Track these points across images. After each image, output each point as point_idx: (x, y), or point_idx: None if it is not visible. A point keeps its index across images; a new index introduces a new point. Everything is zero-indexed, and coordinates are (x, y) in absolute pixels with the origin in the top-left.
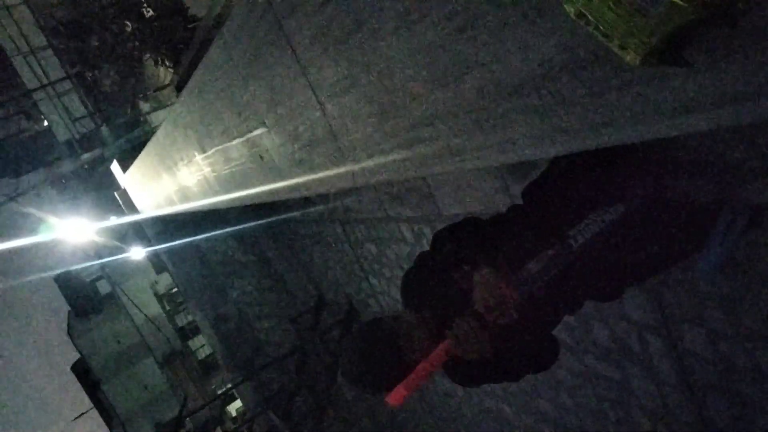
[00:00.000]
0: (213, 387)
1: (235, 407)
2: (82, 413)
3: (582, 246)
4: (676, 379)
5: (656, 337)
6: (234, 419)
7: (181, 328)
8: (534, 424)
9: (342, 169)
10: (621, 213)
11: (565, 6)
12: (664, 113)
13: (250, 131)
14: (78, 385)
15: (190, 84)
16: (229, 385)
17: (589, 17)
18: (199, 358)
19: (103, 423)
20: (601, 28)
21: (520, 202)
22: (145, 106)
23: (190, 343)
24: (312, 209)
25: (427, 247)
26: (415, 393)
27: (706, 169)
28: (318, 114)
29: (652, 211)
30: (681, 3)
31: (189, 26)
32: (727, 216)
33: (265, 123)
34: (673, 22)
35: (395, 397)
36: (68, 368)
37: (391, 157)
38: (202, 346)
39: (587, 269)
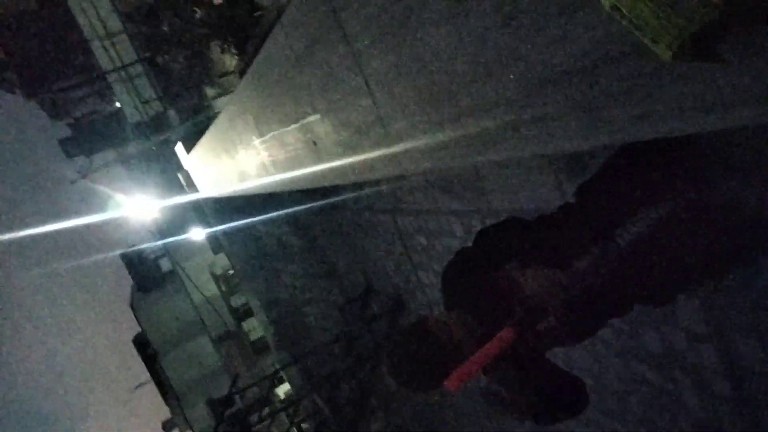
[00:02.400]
0: (263, 368)
1: (283, 390)
2: (141, 384)
3: (629, 244)
4: (730, 392)
5: (709, 347)
6: (282, 401)
7: (236, 310)
8: (576, 427)
9: (390, 154)
10: (666, 212)
11: (600, 0)
12: (702, 108)
13: (305, 117)
14: (138, 357)
15: (251, 71)
16: (278, 366)
17: (623, 10)
18: (251, 339)
19: (160, 395)
20: (634, 21)
21: (572, 200)
22: (210, 92)
23: (243, 324)
24: (362, 193)
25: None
26: (471, 380)
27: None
28: (368, 101)
29: (702, 213)
30: None
31: (255, 15)
32: None
33: (318, 110)
34: (704, 17)
35: (452, 383)
36: (130, 340)
37: (437, 144)
38: (254, 328)
39: (635, 269)
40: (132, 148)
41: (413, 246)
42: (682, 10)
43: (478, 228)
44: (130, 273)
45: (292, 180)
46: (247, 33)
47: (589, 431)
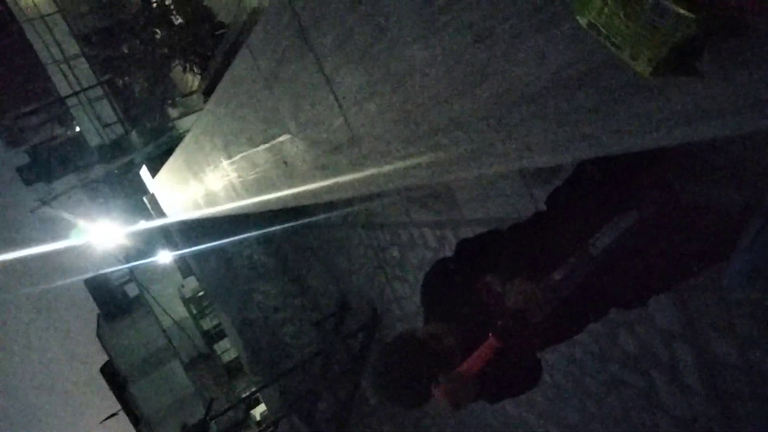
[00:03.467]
0: (238, 390)
1: (259, 411)
2: (111, 415)
3: (602, 253)
4: (705, 388)
5: (684, 345)
6: (258, 423)
7: (207, 332)
8: (558, 430)
9: (364, 174)
10: (637, 219)
11: (577, 17)
12: (679, 120)
13: (275, 137)
14: (106, 386)
15: (217, 91)
16: (254, 389)
17: (600, 28)
18: (224, 361)
19: (131, 424)
20: (612, 38)
21: (543, 207)
22: (173, 112)
23: (215, 346)
24: (335, 213)
25: (449, 253)
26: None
27: (731, 174)
28: (341, 120)
29: (670, 217)
30: (688, 15)
31: (216, 33)
32: (756, 223)
33: (289, 129)
34: (682, 33)
35: (445, 394)
36: (97, 370)
37: (411, 163)
38: (227, 349)
39: (610, 276)
40: (94, 172)
41: (387, 259)
42: (661, 26)
43: (451, 238)
44: (95, 300)
45: (262, 202)
46: (209, 52)
47: None
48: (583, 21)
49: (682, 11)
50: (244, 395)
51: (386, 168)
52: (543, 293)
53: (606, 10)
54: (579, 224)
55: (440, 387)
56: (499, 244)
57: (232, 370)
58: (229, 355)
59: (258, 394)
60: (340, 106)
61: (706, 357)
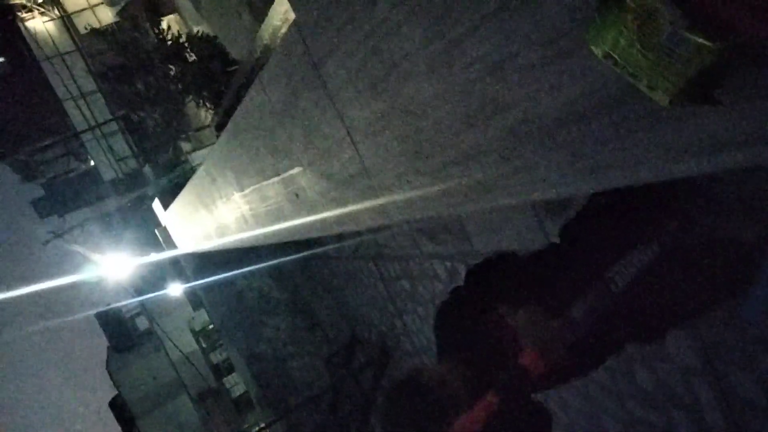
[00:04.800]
0: (246, 426)
1: None
2: None
3: (622, 288)
4: (727, 425)
5: (703, 382)
6: None
7: (216, 365)
8: None
9: (375, 206)
10: (656, 252)
11: (592, 48)
12: (697, 151)
13: (287, 170)
14: (114, 421)
15: (230, 125)
16: (262, 425)
17: (617, 59)
18: (233, 395)
19: None
20: (628, 69)
21: (555, 239)
22: (186, 146)
23: (224, 380)
24: (345, 244)
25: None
26: None
27: (749, 206)
28: (352, 153)
29: (689, 249)
30: (708, 44)
31: (229, 70)
32: None
33: (300, 162)
34: (701, 62)
35: None
36: (106, 403)
37: (423, 195)
38: (236, 383)
39: (628, 311)
40: (107, 206)
41: (397, 291)
42: (679, 55)
43: (462, 271)
44: (105, 333)
45: (273, 233)
46: (221, 87)
47: None
48: (598, 52)
49: (700, 40)
50: (253, 431)
51: (397, 200)
52: (561, 331)
53: (622, 40)
54: (595, 256)
55: None
56: (513, 274)
57: (241, 404)
58: (238, 390)
59: (267, 430)
60: (351, 139)
61: (726, 394)
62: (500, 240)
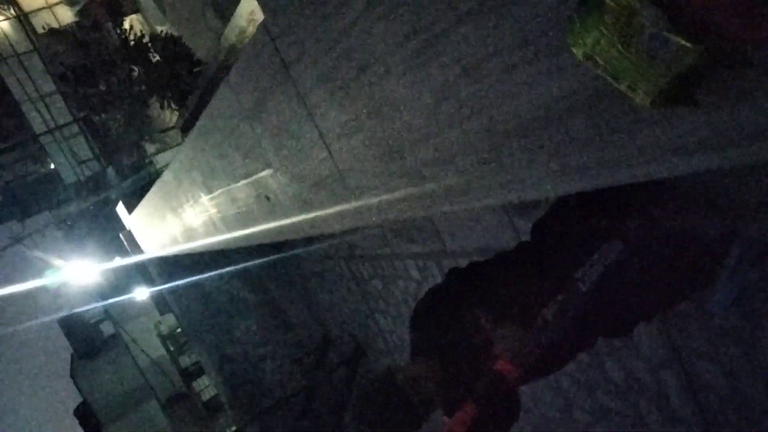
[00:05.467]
0: (218, 429)
1: None
2: None
3: (590, 288)
4: (693, 416)
5: (670, 373)
6: None
7: (185, 369)
8: None
9: (348, 209)
10: (621, 250)
11: (572, 49)
12: (678, 151)
13: (257, 172)
14: (80, 430)
15: (197, 126)
16: (234, 428)
17: (598, 60)
18: (204, 399)
19: None
20: (609, 70)
21: (526, 237)
22: (150, 148)
23: (194, 384)
24: (317, 246)
25: (433, 284)
26: None
27: (711, 202)
28: (324, 155)
29: (653, 245)
30: (689, 45)
31: (194, 70)
32: (737, 249)
33: (271, 164)
34: (683, 64)
35: None
36: (71, 412)
37: (397, 197)
38: (206, 387)
39: (598, 308)
40: (69, 209)
41: (369, 292)
42: (660, 57)
43: (434, 269)
44: (69, 340)
45: (243, 237)
46: (187, 88)
47: None
48: (578, 53)
49: (682, 42)
50: None
51: (371, 202)
52: (534, 334)
53: (603, 41)
54: (564, 254)
55: None
56: (487, 276)
57: (212, 408)
58: (208, 393)
59: None
60: (323, 141)
61: (692, 384)
62: (472, 238)
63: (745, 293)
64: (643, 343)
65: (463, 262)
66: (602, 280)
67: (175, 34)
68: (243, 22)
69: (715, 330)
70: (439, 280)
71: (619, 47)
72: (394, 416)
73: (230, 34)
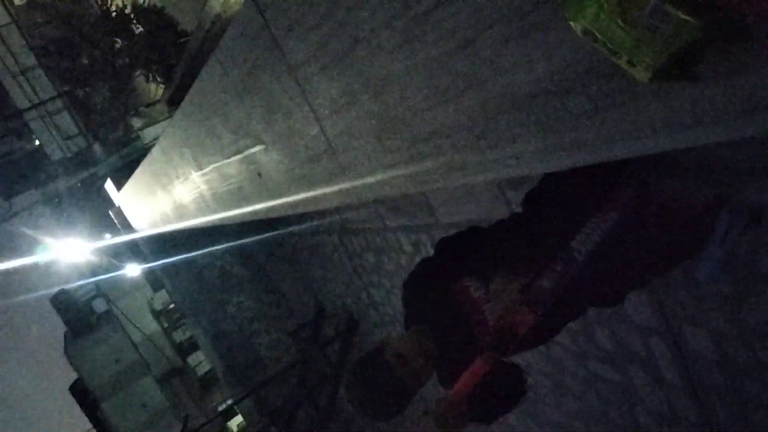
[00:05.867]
0: (213, 404)
1: (236, 422)
2: None
3: (586, 257)
4: (681, 380)
5: (659, 340)
6: None
7: (180, 344)
8: (539, 429)
9: (342, 185)
10: (615, 219)
11: (571, 23)
12: (677, 125)
13: (248, 148)
14: (77, 406)
15: (186, 101)
16: (230, 401)
17: (597, 34)
18: (199, 374)
19: None
20: (608, 45)
21: (518, 209)
22: (137, 123)
23: (188, 359)
24: (309, 222)
25: (427, 255)
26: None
27: (701, 169)
28: (317, 131)
29: (645, 214)
30: (690, 19)
31: (179, 42)
32: (727, 216)
33: (263, 140)
34: (683, 38)
35: (439, 417)
36: (66, 389)
37: (391, 173)
38: (201, 362)
39: (592, 277)
40: (56, 187)
41: (362, 265)
42: (661, 31)
43: (426, 242)
44: (61, 317)
45: (236, 214)
46: (172, 60)
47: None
48: (577, 27)
49: (683, 16)
50: (220, 408)
51: (365, 178)
52: (531, 302)
53: (602, 15)
54: (559, 224)
55: (431, 416)
56: (479, 245)
57: (207, 382)
58: (203, 367)
59: (235, 406)
60: (315, 116)
61: (682, 351)
62: (463, 211)
63: (733, 259)
64: (634, 312)
65: (461, 230)
66: (596, 250)
67: (158, 4)
68: None
69: (704, 296)
70: (431, 252)
71: (620, 21)
72: (386, 388)
73: (215, 2)
